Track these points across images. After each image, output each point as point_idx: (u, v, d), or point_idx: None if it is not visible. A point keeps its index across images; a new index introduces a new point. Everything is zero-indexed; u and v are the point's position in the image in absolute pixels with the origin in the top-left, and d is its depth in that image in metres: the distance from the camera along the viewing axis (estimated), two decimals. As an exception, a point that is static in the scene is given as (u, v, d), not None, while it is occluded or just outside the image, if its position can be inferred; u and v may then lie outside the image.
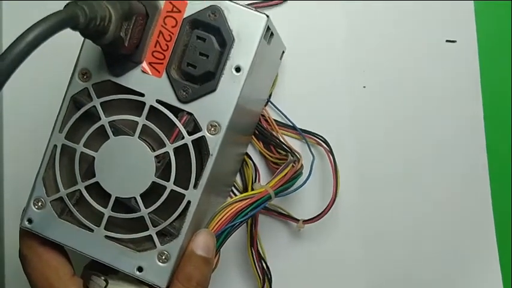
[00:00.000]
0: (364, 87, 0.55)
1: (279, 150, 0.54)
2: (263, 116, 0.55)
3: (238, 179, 0.56)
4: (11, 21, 0.58)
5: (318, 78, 0.56)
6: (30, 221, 0.43)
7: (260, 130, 0.55)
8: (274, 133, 0.55)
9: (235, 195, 0.56)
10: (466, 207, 0.55)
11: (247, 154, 0.56)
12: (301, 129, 0.55)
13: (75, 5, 0.32)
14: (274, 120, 0.55)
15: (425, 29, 0.55)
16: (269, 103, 0.56)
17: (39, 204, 0.43)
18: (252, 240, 0.54)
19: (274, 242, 0.56)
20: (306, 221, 0.54)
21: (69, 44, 0.44)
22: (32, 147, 0.56)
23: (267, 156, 0.55)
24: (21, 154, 0.58)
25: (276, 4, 0.56)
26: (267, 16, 0.40)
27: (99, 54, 0.41)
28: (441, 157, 0.55)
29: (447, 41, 0.54)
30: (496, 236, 0.55)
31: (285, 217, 0.55)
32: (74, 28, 0.32)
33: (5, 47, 0.55)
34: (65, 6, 0.33)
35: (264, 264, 0.54)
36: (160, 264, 0.42)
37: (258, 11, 0.41)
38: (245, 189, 0.56)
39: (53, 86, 0.53)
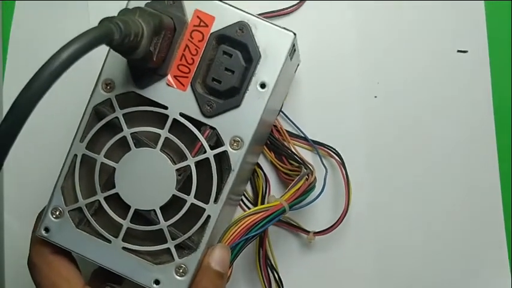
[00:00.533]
0: (376, 97, 0.55)
1: (291, 161, 0.54)
2: (275, 126, 0.55)
3: (248, 188, 0.56)
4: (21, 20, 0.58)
5: (330, 89, 0.56)
6: (47, 230, 0.43)
7: (272, 140, 0.55)
8: (286, 144, 0.55)
9: (245, 204, 0.56)
10: (478, 218, 0.55)
11: (258, 164, 0.56)
12: (312, 140, 0.55)
13: (110, 21, 0.32)
14: (286, 131, 0.55)
15: (436, 39, 0.55)
16: (281, 113, 0.55)
17: (57, 213, 0.43)
18: (261, 249, 0.54)
19: (285, 253, 0.56)
20: (316, 233, 0.54)
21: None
22: (32, 148, 0.57)
23: (278, 166, 0.55)
24: (21, 154, 0.57)
25: (288, 13, 0.56)
26: (294, 34, 0.40)
27: (124, 65, 0.41)
28: (453, 168, 0.55)
29: (458, 51, 0.55)
30: (507, 246, 0.55)
31: (296, 229, 0.55)
32: (108, 44, 0.32)
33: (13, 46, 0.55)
34: (100, 22, 0.32)
35: (275, 275, 0.54)
36: (177, 277, 0.42)
37: (285, 29, 0.41)
38: (255, 199, 0.56)
39: (54, 90, 0.53)
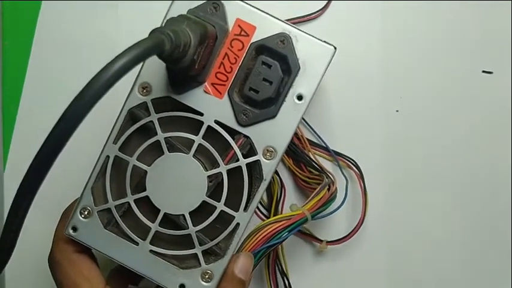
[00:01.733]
0: (397, 111, 0.56)
1: (310, 169, 0.54)
2: (296, 134, 0.55)
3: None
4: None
5: (352, 100, 0.56)
6: (74, 229, 0.43)
7: (292, 147, 0.55)
8: (306, 151, 0.55)
9: (259, 209, 0.56)
10: (494, 236, 0.56)
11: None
12: (333, 150, 0.55)
13: (161, 32, 0.32)
14: (307, 138, 0.55)
15: (462, 58, 0.55)
16: (302, 120, 0.55)
17: (86, 213, 0.43)
18: (271, 253, 0.54)
19: (296, 260, 0.56)
20: (329, 243, 0.54)
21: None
22: (33, 149, 0.56)
23: (297, 173, 0.55)
24: (21, 154, 0.57)
25: (312, 19, 0.56)
26: (335, 48, 0.41)
27: (161, 70, 0.41)
28: (471, 186, 0.56)
29: (483, 71, 0.55)
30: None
31: (308, 237, 0.56)
32: (159, 55, 0.32)
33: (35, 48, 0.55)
34: (150, 33, 0.33)
35: (285, 281, 0.54)
36: (203, 283, 0.42)
37: (326, 42, 0.41)
38: (269, 205, 0.56)
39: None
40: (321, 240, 0.55)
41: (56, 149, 0.29)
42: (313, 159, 0.55)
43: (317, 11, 0.56)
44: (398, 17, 0.56)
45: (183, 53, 0.34)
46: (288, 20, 0.54)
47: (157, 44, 0.31)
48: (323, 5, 0.56)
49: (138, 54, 0.30)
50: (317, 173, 0.53)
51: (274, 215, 0.54)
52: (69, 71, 0.57)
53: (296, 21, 0.55)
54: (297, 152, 0.55)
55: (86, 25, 0.57)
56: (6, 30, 0.57)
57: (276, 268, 0.55)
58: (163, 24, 0.37)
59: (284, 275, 0.55)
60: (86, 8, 0.57)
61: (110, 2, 0.57)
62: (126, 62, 0.29)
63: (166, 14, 0.41)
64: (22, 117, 0.58)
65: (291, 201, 0.55)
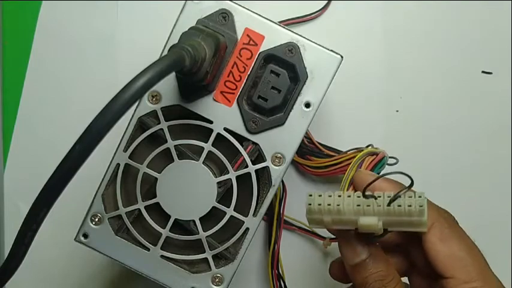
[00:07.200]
0: (397, 111, 0.56)
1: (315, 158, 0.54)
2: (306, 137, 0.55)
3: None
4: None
5: (352, 100, 0.56)
6: (85, 235, 0.43)
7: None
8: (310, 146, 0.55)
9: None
10: (501, 243, 0.57)
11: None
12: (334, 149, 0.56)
13: (181, 48, 0.32)
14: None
15: (462, 58, 0.56)
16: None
17: (97, 220, 0.43)
18: (273, 261, 0.55)
19: (299, 260, 0.57)
20: (332, 239, 0.55)
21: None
22: (33, 149, 0.57)
23: (306, 162, 0.53)
24: (21, 154, 0.57)
25: (312, 19, 0.56)
26: (341, 56, 0.41)
27: (171, 79, 0.41)
28: (471, 184, 0.56)
29: (483, 72, 0.56)
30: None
31: (312, 235, 0.56)
32: (179, 71, 0.32)
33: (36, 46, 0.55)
34: (170, 49, 0.33)
35: (282, 284, 0.55)
36: (214, 286, 0.43)
37: (333, 51, 0.41)
38: (272, 205, 0.56)
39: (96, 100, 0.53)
40: (324, 238, 0.55)
41: (76, 166, 0.29)
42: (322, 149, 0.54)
43: (317, 11, 0.56)
44: (398, 17, 0.56)
45: (200, 67, 0.35)
46: (288, 20, 0.55)
47: (178, 60, 0.32)
48: (323, 5, 0.56)
49: (160, 71, 0.30)
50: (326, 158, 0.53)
51: (276, 216, 0.54)
52: (69, 70, 0.57)
53: (296, 21, 0.56)
54: (304, 147, 0.54)
55: (86, 25, 0.57)
56: (6, 30, 0.57)
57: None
58: (174, 31, 0.38)
59: (280, 278, 0.55)
60: (86, 8, 0.57)
61: (109, 2, 0.57)
62: (148, 79, 0.30)
63: (176, 22, 0.41)
64: (22, 117, 0.57)
65: (292, 202, 0.56)
